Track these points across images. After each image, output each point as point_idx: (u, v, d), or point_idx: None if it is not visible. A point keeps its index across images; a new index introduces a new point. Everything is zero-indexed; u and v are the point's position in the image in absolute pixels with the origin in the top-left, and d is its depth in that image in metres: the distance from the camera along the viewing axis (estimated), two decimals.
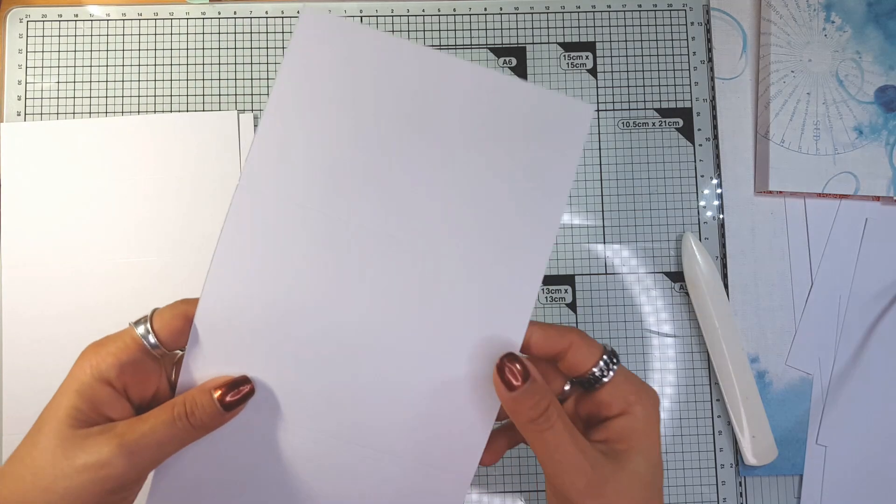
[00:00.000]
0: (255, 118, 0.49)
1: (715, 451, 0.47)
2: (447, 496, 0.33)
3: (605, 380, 0.31)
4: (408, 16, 0.51)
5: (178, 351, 0.32)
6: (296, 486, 0.33)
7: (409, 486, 0.33)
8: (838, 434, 0.48)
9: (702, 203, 0.49)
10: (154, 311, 0.31)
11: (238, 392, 0.30)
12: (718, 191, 0.49)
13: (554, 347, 0.32)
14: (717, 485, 0.47)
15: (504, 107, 0.32)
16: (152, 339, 0.30)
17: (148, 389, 0.31)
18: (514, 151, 0.32)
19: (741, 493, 0.47)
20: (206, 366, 0.31)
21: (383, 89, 0.32)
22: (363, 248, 0.32)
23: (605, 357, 0.31)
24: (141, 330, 0.30)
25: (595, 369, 0.31)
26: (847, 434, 0.48)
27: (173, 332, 0.30)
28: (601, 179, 0.50)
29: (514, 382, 0.29)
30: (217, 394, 0.30)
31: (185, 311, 0.31)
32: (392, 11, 0.51)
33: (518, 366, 0.29)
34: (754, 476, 0.47)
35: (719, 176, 0.50)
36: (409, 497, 0.33)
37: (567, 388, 0.33)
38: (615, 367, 0.31)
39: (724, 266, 0.49)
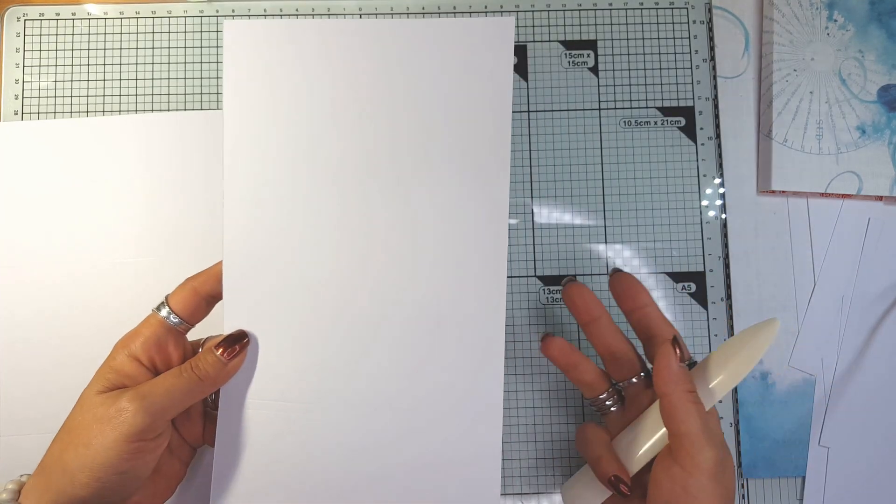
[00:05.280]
0: None
1: None
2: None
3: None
4: (407, 13, 0.50)
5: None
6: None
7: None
8: (841, 435, 0.47)
9: (704, 203, 0.49)
10: (168, 295, 0.36)
11: (234, 349, 0.35)
12: (721, 190, 0.49)
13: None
14: None
15: (434, 48, 0.35)
16: (174, 318, 0.35)
17: (173, 366, 0.35)
18: (452, 88, 0.35)
19: (743, 496, 0.47)
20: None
21: (319, 71, 0.35)
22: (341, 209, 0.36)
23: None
24: (163, 312, 0.35)
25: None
26: (850, 435, 0.47)
27: (188, 306, 0.35)
28: (602, 179, 0.49)
29: (685, 357, 0.35)
30: (219, 350, 0.34)
31: (192, 286, 0.35)
32: (392, 9, 0.50)
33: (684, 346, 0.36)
34: (756, 478, 0.47)
35: (721, 175, 0.49)
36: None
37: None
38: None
39: (726, 266, 0.49)
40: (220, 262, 0.36)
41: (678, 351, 0.35)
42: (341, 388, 0.36)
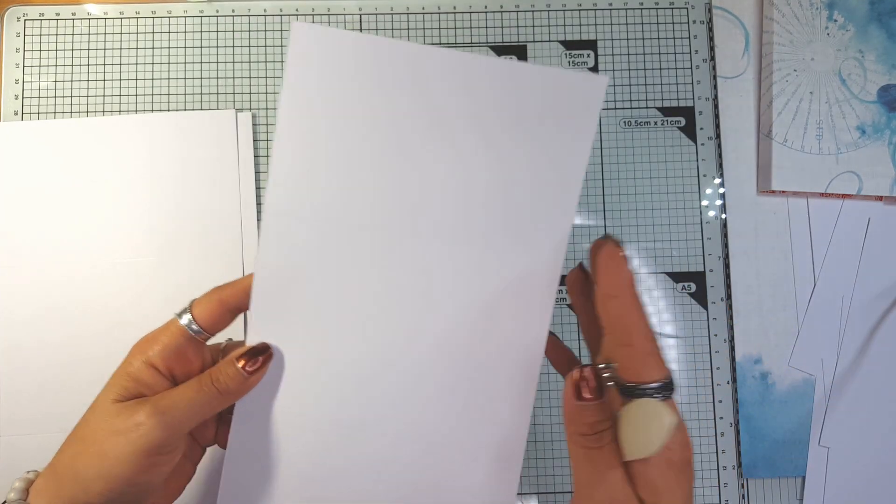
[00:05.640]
0: (254, 117, 0.48)
1: (717, 452, 0.47)
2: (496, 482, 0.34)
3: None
4: (407, 13, 0.50)
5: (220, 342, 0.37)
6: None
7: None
8: (841, 435, 0.47)
9: (704, 203, 0.49)
10: (192, 301, 0.34)
11: (256, 361, 0.33)
12: (721, 190, 0.49)
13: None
14: (719, 487, 0.47)
15: (510, 93, 0.32)
16: (195, 326, 0.33)
17: (192, 374, 0.34)
18: (525, 138, 0.32)
19: (743, 496, 0.47)
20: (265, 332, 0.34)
21: (387, 93, 0.32)
22: (382, 249, 0.34)
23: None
24: (185, 320, 0.33)
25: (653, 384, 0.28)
26: (850, 435, 0.47)
27: (212, 317, 0.34)
28: (603, 179, 0.49)
29: (586, 395, 0.29)
30: (241, 363, 0.33)
31: (219, 298, 0.34)
32: (392, 9, 0.50)
33: (593, 380, 0.30)
34: (756, 478, 0.47)
35: (722, 175, 0.49)
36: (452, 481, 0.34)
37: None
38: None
39: (726, 266, 0.49)
40: (250, 276, 0.34)
41: (578, 382, 0.30)
42: (361, 411, 0.35)
